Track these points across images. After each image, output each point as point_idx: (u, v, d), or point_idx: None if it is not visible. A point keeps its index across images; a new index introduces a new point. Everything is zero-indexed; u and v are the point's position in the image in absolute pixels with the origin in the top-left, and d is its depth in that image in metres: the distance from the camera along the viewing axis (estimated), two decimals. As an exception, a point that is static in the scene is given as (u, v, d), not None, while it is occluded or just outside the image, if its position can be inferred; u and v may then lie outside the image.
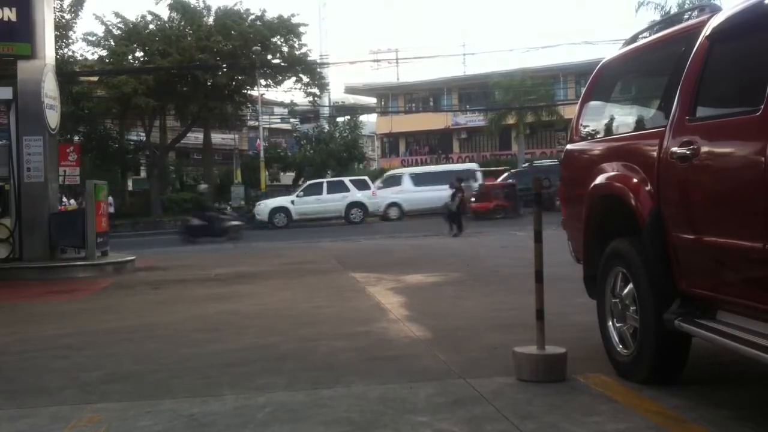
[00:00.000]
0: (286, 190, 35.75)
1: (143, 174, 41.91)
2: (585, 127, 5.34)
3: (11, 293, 10.07)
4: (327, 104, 43.14)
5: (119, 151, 37.00)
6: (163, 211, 34.16)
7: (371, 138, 55.43)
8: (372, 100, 54.24)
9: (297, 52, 35.23)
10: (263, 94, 37.25)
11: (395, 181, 30.91)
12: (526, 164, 33.61)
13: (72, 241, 12.87)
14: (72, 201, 22.83)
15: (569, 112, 30.22)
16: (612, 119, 5.13)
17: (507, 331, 5.70)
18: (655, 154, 3.99)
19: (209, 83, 34.33)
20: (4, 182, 12.52)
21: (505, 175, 30.14)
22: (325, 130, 41.18)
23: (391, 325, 6.42)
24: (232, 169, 41.38)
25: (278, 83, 37.02)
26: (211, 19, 35.08)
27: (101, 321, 7.39)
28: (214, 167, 41.23)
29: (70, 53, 32.52)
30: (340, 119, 42.93)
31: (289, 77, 36.53)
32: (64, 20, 29.78)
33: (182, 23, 34.79)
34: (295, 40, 35.03)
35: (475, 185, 28.09)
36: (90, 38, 34.13)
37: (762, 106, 3.15)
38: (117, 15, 34.35)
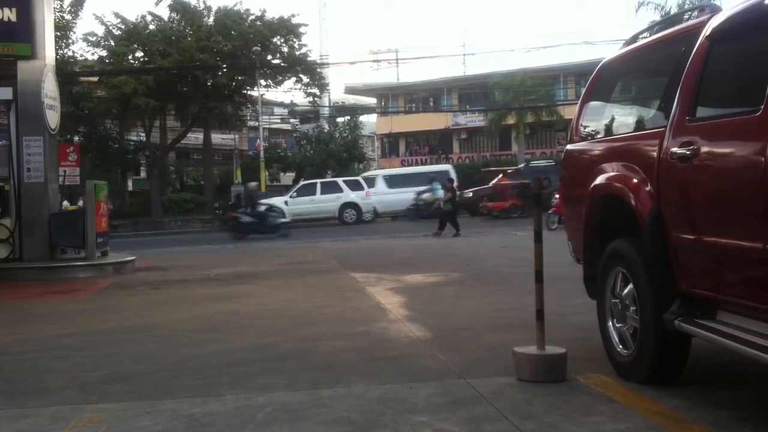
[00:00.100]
0: (286, 190, 35.73)
1: (143, 174, 41.90)
2: (585, 127, 5.34)
3: (11, 293, 10.07)
4: (327, 104, 43.14)
5: (119, 152, 37.01)
6: (163, 212, 34.17)
7: (371, 138, 55.44)
8: (372, 101, 54.22)
9: (297, 53, 35.23)
10: (263, 94, 37.27)
11: (369, 183, 30.96)
12: (522, 164, 33.60)
13: (72, 242, 12.87)
14: (65, 203, 22.71)
15: (569, 112, 30.24)
16: (612, 119, 5.13)
17: (507, 331, 5.70)
18: (655, 154, 3.99)
19: (209, 83, 34.33)
20: (4, 182, 12.52)
21: (501, 176, 30.11)
22: (325, 131, 41.18)
23: (391, 325, 6.42)
24: (232, 170, 41.39)
25: (278, 83, 37.01)
26: (211, 20, 35.07)
27: (101, 321, 7.39)
28: (214, 167, 41.22)
29: (70, 53, 32.53)
30: (340, 119, 42.94)
31: (289, 77, 36.53)
32: (64, 20, 29.78)
33: (182, 23, 34.80)
34: (295, 40, 35.03)
35: (439, 190, 28.02)
36: (90, 38, 34.16)
37: (762, 106, 3.15)
38: (117, 15, 34.39)
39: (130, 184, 41.47)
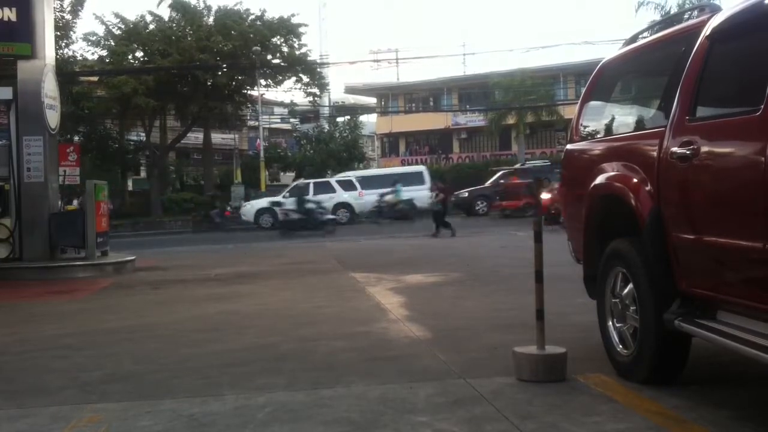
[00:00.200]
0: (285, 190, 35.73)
1: (143, 174, 41.93)
2: (585, 127, 5.34)
3: (11, 293, 10.07)
4: (327, 104, 43.17)
5: (119, 151, 37.02)
6: (163, 211, 34.18)
7: (371, 138, 55.44)
8: (372, 100, 54.23)
9: (297, 52, 35.27)
10: (263, 94, 37.31)
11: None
12: (518, 165, 33.57)
13: (72, 241, 12.87)
14: (75, 201, 22.75)
15: (569, 112, 30.21)
16: (612, 119, 5.13)
17: (507, 331, 5.70)
18: (655, 154, 3.99)
19: (209, 83, 34.35)
20: (4, 182, 12.53)
21: (497, 176, 30.11)
22: (325, 130, 41.19)
23: (391, 325, 6.42)
24: (232, 169, 41.38)
25: (278, 83, 37.07)
26: (211, 19, 35.11)
27: (101, 321, 7.39)
28: (214, 167, 41.26)
29: (70, 53, 32.53)
30: (340, 119, 42.95)
31: (289, 77, 36.57)
32: (64, 20, 29.76)
33: (182, 23, 34.81)
34: (295, 40, 35.07)
35: (402, 192, 27.98)
36: (90, 38, 34.23)
37: (762, 106, 3.15)
38: (117, 15, 34.45)
39: (130, 184, 41.47)
